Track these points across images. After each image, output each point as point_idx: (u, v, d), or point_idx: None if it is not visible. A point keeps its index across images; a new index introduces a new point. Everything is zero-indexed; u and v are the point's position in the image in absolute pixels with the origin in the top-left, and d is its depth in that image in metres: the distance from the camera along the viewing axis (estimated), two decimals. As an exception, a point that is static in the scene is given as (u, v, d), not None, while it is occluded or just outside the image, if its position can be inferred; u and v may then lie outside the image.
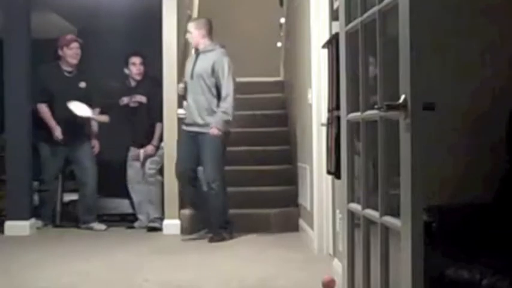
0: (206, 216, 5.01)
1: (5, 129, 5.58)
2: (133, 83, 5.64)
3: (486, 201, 2.68)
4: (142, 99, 5.60)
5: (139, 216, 5.60)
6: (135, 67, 5.59)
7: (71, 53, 5.54)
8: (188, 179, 4.98)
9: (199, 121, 4.89)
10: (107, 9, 6.12)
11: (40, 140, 5.57)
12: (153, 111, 5.53)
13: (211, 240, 4.86)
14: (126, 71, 5.63)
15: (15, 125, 5.47)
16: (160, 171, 5.55)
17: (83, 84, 5.62)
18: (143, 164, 5.59)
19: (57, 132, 5.46)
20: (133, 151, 5.66)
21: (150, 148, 5.57)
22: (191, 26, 5.08)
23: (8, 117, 5.50)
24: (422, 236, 1.84)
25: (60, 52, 5.56)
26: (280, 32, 7.66)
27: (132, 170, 5.65)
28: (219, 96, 4.91)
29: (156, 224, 5.46)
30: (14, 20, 5.51)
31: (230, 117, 4.91)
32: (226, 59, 4.94)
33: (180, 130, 5.20)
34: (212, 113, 4.88)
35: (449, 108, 2.69)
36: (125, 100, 5.64)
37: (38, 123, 5.51)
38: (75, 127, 5.56)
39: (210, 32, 5.04)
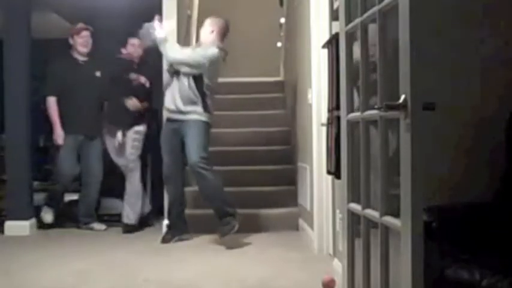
0: (177, 221, 4.98)
1: (5, 129, 5.57)
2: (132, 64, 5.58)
3: (486, 201, 2.68)
4: (142, 80, 5.53)
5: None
6: (133, 48, 5.54)
7: (82, 41, 5.51)
8: (175, 180, 4.96)
9: (183, 109, 4.83)
10: (107, 9, 6.12)
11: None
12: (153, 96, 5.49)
13: (222, 234, 4.73)
14: (123, 50, 5.57)
15: (15, 125, 5.46)
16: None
17: (98, 73, 5.57)
18: (123, 147, 5.48)
19: (60, 139, 5.41)
20: (109, 133, 5.53)
21: (133, 101, 5.41)
22: (207, 21, 5.05)
23: (8, 117, 5.50)
24: (422, 236, 1.84)
25: (71, 41, 5.53)
26: (280, 32, 7.66)
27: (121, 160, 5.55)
28: (197, 87, 4.83)
29: (131, 221, 5.42)
30: (14, 20, 5.50)
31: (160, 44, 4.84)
32: (213, 52, 4.85)
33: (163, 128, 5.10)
34: (195, 104, 4.82)
35: (449, 108, 2.69)
36: (134, 76, 5.54)
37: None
38: (89, 119, 5.49)
39: (222, 35, 4.99)
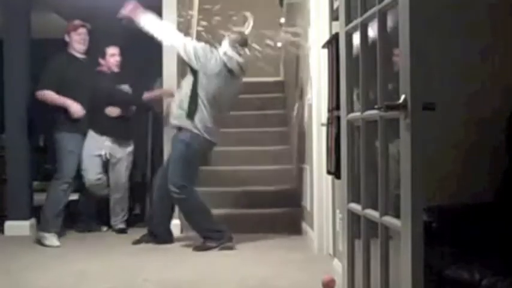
0: (157, 229, 4.86)
1: (5, 129, 5.56)
2: (109, 71, 5.39)
3: (486, 201, 2.68)
4: (125, 88, 5.38)
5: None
6: (113, 58, 5.37)
7: (78, 39, 5.28)
8: (160, 192, 4.78)
9: (175, 112, 4.70)
10: (107, 9, 6.10)
11: (62, 130, 5.14)
12: (138, 104, 5.38)
13: (194, 248, 4.64)
14: (102, 62, 5.39)
15: (15, 125, 5.46)
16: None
17: None
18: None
19: (76, 107, 5.05)
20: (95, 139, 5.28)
21: (112, 109, 5.23)
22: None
23: (8, 117, 5.49)
24: (422, 236, 1.84)
25: (67, 38, 5.30)
26: (280, 32, 7.65)
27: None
28: (192, 90, 4.62)
29: (122, 225, 5.44)
30: (14, 20, 5.50)
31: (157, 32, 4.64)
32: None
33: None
34: (182, 108, 4.63)
35: (449, 108, 2.70)
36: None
37: (51, 112, 5.16)
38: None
39: (233, 45, 4.71)
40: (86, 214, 5.52)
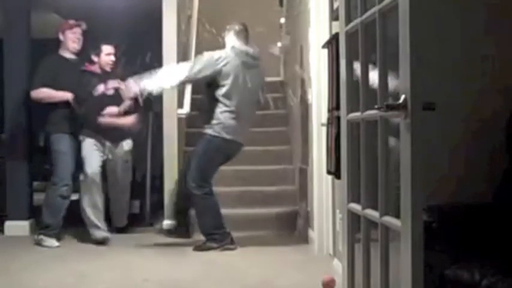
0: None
1: (4, 129, 5.56)
2: (98, 71, 5.18)
3: (486, 201, 2.68)
4: (113, 84, 5.12)
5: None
6: (108, 57, 5.18)
7: (73, 37, 5.18)
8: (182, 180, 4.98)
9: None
10: (107, 9, 6.11)
11: (55, 131, 5.07)
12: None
13: (195, 248, 4.65)
14: (94, 58, 5.18)
15: (15, 125, 5.45)
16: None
17: None
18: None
19: (69, 95, 4.99)
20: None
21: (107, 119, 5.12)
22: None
23: (7, 117, 5.49)
24: (422, 236, 1.84)
25: (61, 37, 5.19)
26: (280, 32, 7.66)
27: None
28: (208, 95, 4.70)
29: (122, 224, 5.40)
30: (14, 20, 5.50)
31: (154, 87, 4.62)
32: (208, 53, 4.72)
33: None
34: (205, 113, 4.73)
35: (449, 108, 2.69)
36: (102, 88, 5.11)
37: (46, 114, 5.09)
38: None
39: (238, 35, 4.76)
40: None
